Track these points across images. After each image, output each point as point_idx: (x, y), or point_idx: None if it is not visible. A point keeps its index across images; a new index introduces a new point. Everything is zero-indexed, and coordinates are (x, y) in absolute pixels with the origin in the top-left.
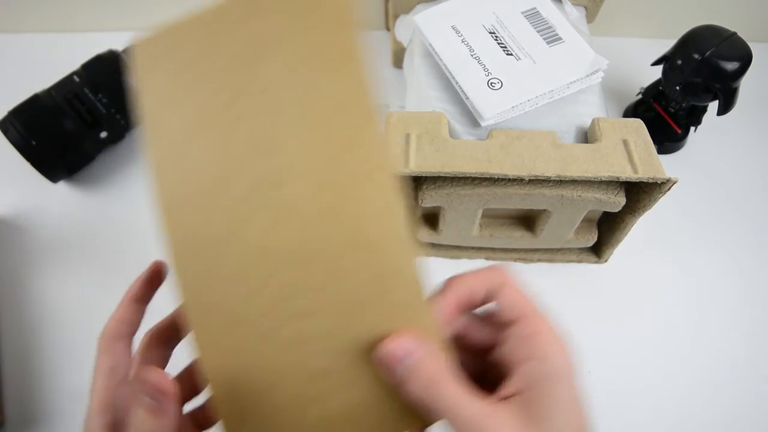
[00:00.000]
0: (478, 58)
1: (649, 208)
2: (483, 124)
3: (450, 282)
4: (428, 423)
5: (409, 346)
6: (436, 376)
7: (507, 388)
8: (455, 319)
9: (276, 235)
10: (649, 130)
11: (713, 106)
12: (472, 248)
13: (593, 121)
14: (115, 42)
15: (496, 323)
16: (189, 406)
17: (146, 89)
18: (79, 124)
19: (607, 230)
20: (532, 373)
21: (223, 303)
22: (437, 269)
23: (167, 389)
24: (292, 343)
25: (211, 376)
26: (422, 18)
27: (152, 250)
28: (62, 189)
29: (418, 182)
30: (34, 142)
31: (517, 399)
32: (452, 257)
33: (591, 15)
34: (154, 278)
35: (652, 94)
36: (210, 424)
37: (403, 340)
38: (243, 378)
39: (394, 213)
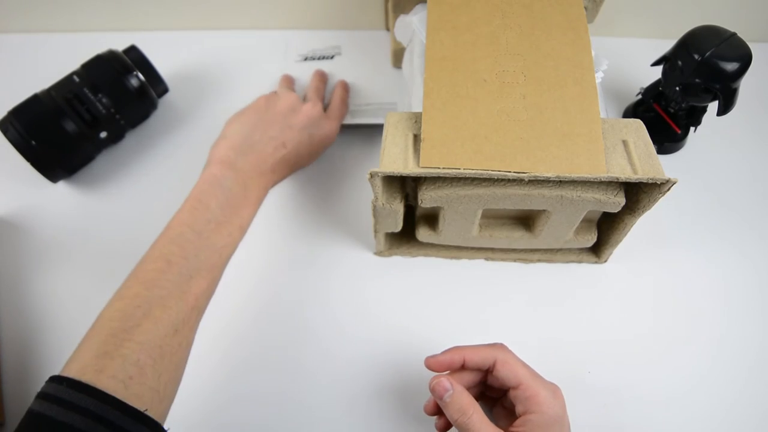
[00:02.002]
0: None
1: (649, 209)
2: None
3: (453, 349)
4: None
5: (447, 385)
6: (467, 407)
7: (515, 427)
8: (454, 371)
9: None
10: (649, 131)
11: (713, 106)
12: (472, 248)
13: None
14: (115, 42)
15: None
16: None
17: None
18: (78, 124)
19: (606, 230)
20: (532, 421)
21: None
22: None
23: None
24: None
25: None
26: (421, 18)
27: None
28: (62, 189)
29: (418, 182)
30: (34, 142)
31: None
32: (452, 257)
33: (591, 15)
34: None
35: (652, 94)
36: None
37: (444, 380)
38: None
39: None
